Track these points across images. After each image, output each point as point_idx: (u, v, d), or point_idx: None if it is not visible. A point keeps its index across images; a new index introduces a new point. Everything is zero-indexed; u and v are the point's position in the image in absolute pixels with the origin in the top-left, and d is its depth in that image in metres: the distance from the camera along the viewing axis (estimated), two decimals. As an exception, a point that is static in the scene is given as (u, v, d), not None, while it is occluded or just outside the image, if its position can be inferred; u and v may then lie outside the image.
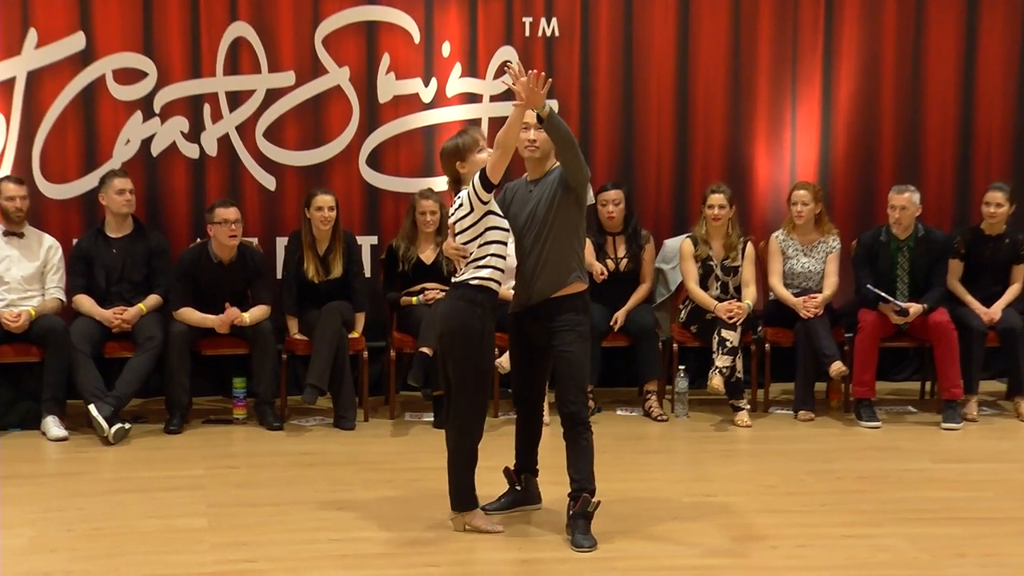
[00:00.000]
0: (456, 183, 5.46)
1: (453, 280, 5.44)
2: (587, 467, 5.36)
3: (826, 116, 8.50)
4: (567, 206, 5.35)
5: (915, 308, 7.56)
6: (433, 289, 7.56)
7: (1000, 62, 8.59)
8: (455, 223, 5.37)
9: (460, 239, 5.35)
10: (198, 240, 7.61)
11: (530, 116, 5.31)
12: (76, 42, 7.76)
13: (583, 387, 5.41)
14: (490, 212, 5.31)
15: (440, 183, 7.95)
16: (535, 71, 5.15)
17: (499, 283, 5.38)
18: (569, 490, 5.38)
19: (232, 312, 7.31)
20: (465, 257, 5.33)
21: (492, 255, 5.33)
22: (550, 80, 5.19)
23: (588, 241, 7.29)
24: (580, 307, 5.41)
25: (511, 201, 5.50)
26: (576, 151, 5.26)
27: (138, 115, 7.86)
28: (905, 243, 7.71)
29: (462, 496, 5.48)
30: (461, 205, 5.33)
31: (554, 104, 8.00)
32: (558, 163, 5.42)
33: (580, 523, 5.31)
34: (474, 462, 5.45)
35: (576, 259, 5.41)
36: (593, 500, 5.33)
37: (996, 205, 7.85)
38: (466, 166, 5.38)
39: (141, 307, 7.40)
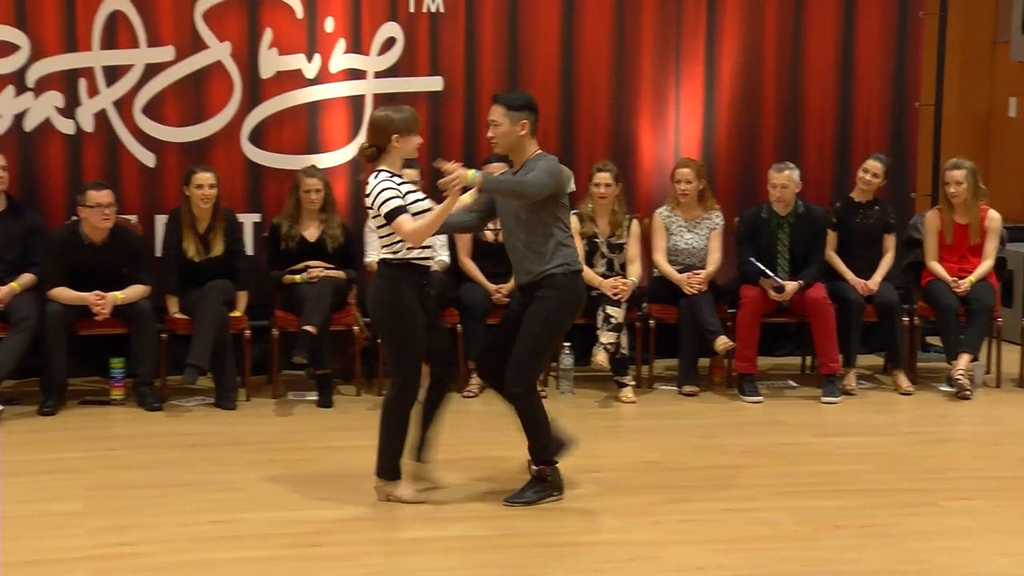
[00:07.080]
0: (374, 156, 5.40)
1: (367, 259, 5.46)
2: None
3: (709, 94, 8.51)
4: (543, 199, 5.48)
5: (791, 286, 7.60)
6: (316, 267, 7.43)
7: (877, 43, 8.66)
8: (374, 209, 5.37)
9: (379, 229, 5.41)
10: (73, 219, 7.37)
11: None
12: (-59, 13, 7.49)
13: (525, 362, 5.52)
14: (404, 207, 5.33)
15: (326, 160, 7.87)
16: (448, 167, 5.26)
17: (424, 256, 5.43)
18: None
19: (103, 303, 7.13)
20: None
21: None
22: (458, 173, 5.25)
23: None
24: (559, 284, 5.52)
25: None
26: (524, 192, 5.42)
27: (10, 89, 7.59)
28: (785, 220, 7.76)
29: (390, 464, 5.46)
30: (377, 203, 5.34)
31: (439, 81, 8.07)
32: (539, 151, 5.58)
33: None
34: (405, 431, 5.45)
35: (555, 243, 5.53)
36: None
37: (873, 175, 7.95)
38: (402, 140, 5.38)
39: (14, 286, 7.17)
